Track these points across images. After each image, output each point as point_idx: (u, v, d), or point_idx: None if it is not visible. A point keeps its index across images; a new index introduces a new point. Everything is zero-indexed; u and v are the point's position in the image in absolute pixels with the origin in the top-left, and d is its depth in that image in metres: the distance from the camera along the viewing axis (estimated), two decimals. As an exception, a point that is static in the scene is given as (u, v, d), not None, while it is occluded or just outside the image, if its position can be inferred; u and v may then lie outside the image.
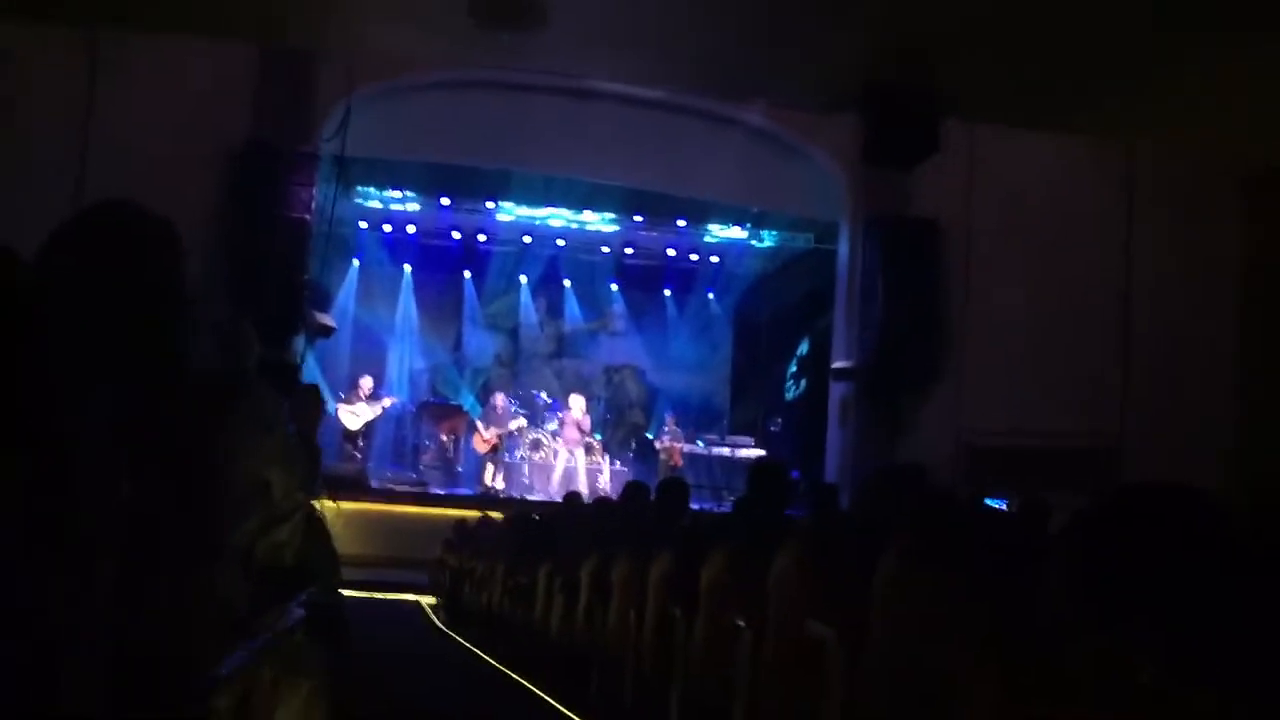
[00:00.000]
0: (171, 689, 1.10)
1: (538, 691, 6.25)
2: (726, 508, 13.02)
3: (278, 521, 1.94)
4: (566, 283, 18.02)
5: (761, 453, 15.54)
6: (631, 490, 7.37)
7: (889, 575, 2.67)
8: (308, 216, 11.31)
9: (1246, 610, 1.76)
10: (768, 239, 16.61)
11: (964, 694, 1.96)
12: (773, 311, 17.71)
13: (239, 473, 1.69)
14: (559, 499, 11.36)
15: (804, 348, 16.42)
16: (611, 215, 16.30)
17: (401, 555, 12.48)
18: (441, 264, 17.31)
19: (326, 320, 12.72)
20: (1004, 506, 7.04)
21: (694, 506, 13.34)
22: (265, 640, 1.49)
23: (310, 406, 5.89)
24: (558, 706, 5.78)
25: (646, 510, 6.63)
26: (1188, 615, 1.64)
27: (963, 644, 2.00)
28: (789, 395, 16.95)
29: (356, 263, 16.71)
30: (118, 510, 0.60)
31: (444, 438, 15.62)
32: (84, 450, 0.60)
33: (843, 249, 13.59)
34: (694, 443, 16.09)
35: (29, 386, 0.56)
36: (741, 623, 4.11)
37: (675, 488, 6.47)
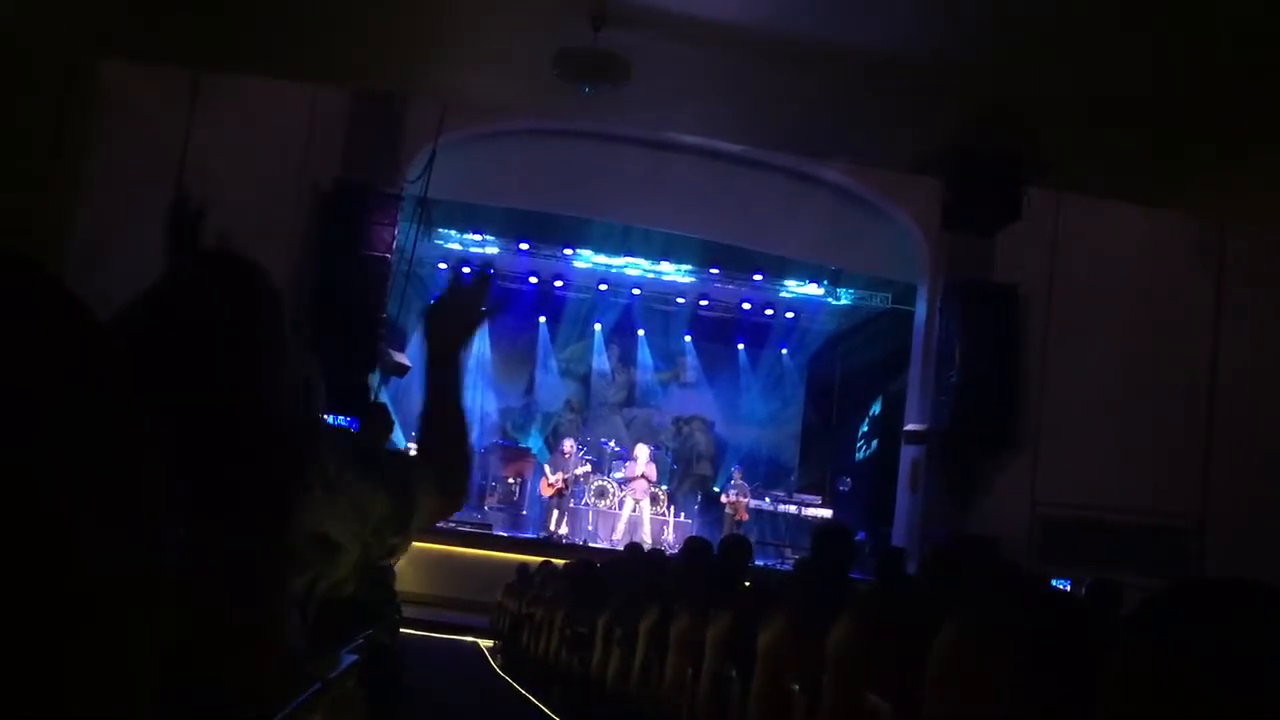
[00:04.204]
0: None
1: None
2: (789, 565, 12.87)
3: (339, 578, 1.95)
4: (640, 332, 18.11)
5: (828, 512, 15.37)
6: (693, 545, 7.32)
7: (944, 651, 2.61)
8: (388, 256, 11.56)
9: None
10: (844, 297, 16.57)
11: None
12: (846, 370, 17.59)
13: (298, 527, 1.71)
14: (622, 547, 11.33)
15: (877, 408, 16.26)
16: (688, 266, 16.41)
17: (463, 596, 12.52)
18: (517, 308, 17.49)
19: (402, 359, 12.89)
20: (1068, 587, 6.86)
21: (757, 563, 13.30)
22: (313, 691, 1.50)
23: (379, 424, 6.04)
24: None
25: (708, 567, 6.58)
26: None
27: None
28: (859, 455, 16.77)
29: (434, 303, 16.93)
30: (173, 548, 0.60)
31: (510, 480, 15.70)
32: (147, 490, 0.61)
33: (920, 311, 13.47)
34: (760, 498, 15.97)
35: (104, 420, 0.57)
36: (796, 688, 4.05)
37: (738, 546, 6.43)
